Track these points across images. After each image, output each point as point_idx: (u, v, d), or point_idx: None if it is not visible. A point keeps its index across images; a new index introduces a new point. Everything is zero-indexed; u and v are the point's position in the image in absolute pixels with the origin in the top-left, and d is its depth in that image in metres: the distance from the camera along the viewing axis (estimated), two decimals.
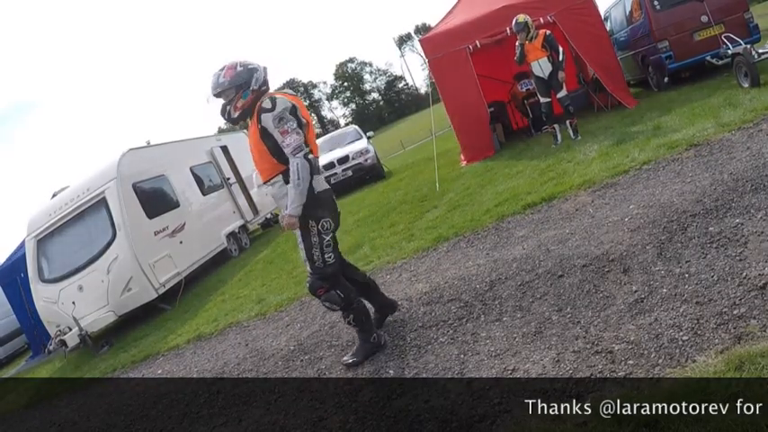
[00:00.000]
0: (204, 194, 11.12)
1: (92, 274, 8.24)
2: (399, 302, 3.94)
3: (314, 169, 3.31)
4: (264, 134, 3.27)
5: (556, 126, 7.75)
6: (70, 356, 7.95)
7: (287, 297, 5.51)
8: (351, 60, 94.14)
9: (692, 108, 6.37)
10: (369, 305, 3.69)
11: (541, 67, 7.47)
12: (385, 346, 3.51)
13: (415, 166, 13.19)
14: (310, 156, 3.30)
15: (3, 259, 11.16)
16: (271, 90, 3.45)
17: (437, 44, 8.85)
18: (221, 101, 3.40)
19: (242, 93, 3.32)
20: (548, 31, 7.46)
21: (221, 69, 3.36)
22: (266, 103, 3.24)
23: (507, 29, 8.26)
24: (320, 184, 3.40)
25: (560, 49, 7.40)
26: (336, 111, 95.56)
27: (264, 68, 3.42)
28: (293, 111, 3.27)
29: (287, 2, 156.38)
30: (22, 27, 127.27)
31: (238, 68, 3.33)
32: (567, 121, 7.55)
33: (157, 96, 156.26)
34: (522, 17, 7.41)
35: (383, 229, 6.79)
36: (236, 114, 3.37)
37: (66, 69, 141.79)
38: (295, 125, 3.23)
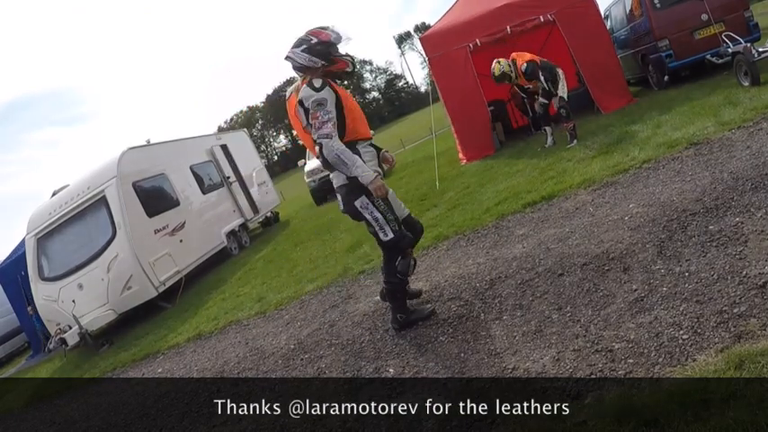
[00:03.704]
0: (204, 193, 11.12)
1: (92, 272, 8.26)
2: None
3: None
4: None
5: (547, 128, 7.68)
6: (70, 355, 7.96)
7: (287, 295, 5.51)
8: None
9: (692, 107, 6.36)
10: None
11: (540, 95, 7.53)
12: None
13: (415, 165, 13.18)
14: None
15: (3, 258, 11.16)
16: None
17: (437, 42, 8.83)
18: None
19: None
20: (523, 66, 7.28)
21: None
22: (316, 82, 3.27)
23: (508, 27, 8.27)
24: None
25: (541, 77, 7.21)
26: None
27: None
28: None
29: (287, 1, 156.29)
30: (23, 24, 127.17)
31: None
32: (563, 125, 7.40)
33: (157, 96, 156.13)
34: (495, 69, 7.40)
35: None
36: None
37: (66, 69, 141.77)
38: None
